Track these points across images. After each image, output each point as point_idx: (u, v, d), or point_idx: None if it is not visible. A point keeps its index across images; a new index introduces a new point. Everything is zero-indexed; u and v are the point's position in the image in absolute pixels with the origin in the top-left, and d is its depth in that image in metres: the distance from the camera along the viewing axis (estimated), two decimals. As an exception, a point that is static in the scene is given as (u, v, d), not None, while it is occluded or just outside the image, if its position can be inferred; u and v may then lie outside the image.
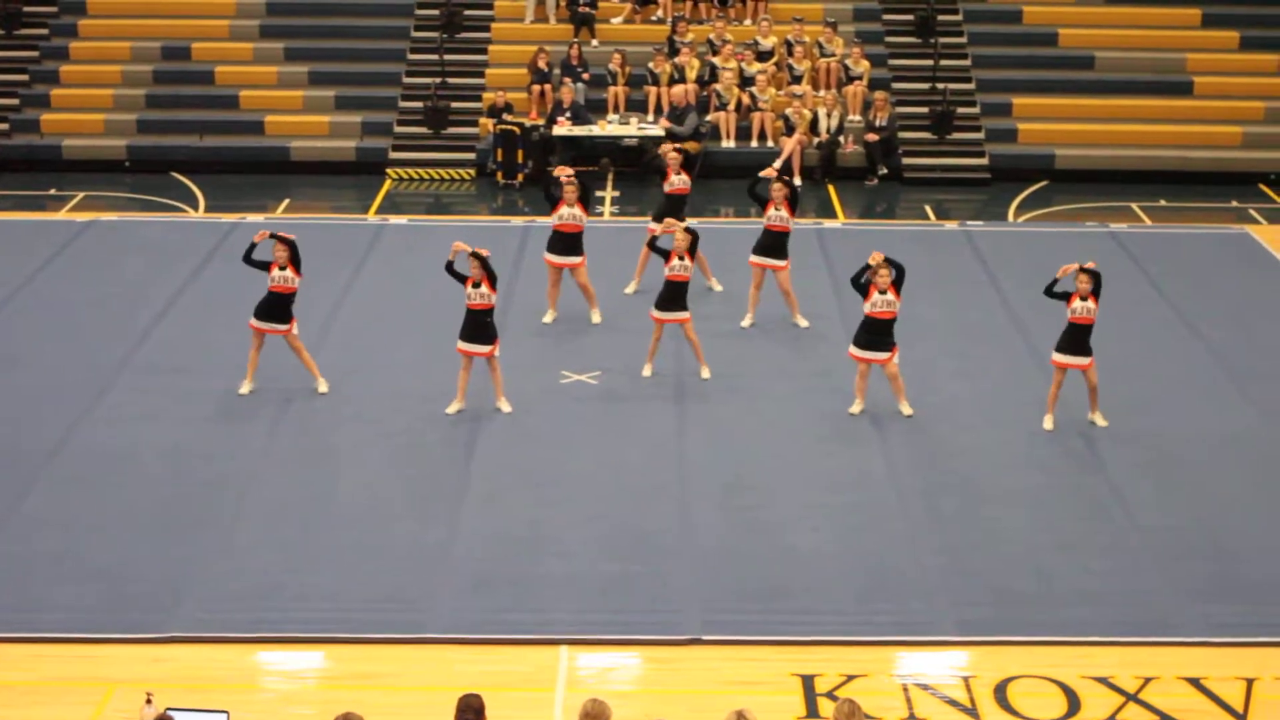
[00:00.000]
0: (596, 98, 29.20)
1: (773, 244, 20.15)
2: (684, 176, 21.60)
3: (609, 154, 28.54)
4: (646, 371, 18.87)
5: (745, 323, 20.50)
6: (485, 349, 17.55)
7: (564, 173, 20.57)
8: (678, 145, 22.51)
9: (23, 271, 22.40)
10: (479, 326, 17.47)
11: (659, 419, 17.87)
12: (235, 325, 18.86)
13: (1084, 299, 17.07)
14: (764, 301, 20.51)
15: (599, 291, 20.82)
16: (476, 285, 17.33)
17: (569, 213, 20.10)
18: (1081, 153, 28.74)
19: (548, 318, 20.64)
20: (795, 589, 14.35)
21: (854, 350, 17.67)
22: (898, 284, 17.34)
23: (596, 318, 20.61)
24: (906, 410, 17.77)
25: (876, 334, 17.43)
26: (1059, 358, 17.35)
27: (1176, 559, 14.92)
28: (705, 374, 18.79)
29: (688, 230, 18.70)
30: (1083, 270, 17.13)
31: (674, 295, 18.60)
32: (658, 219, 20.86)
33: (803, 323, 20.48)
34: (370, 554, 14.84)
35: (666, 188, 21.51)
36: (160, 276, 22.28)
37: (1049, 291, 17.39)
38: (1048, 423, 17.53)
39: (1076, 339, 17.22)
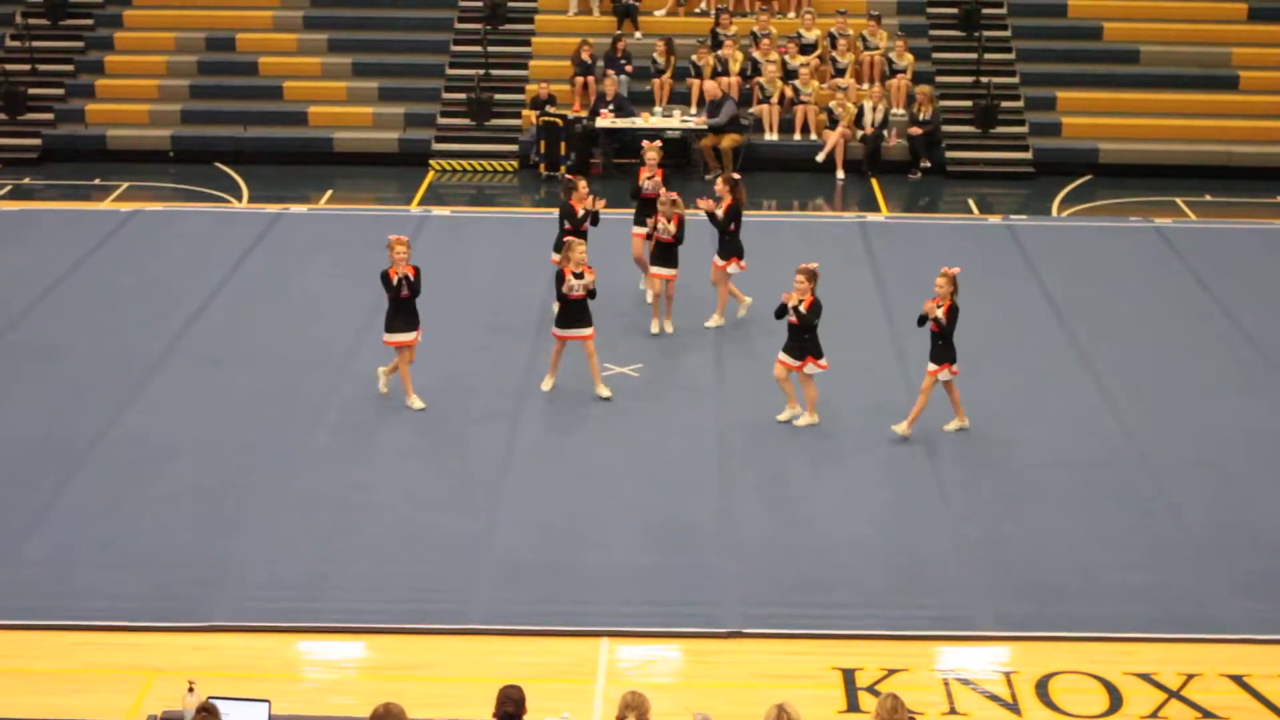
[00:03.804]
0: (639, 90, 29.16)
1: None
2: (657, 179, 20.34)
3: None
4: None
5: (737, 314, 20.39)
6: (586, 331, 17.85)
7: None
8: (661, 144, 21.17)
9: (66, 261, 22.50)
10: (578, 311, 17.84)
11: (700, 411, 17.84)
12: (277, 316, 18.89)
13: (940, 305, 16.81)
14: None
15: (632, 285, 20.75)
16: (578, 276, 17.63)
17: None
18: (1126, 147, 28.53)
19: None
20: (836, 582, 14.31)
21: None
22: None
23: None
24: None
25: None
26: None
27: (1220, 554, 14.81)
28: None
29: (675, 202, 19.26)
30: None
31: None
32: (637, 222, 20.50)
33: (719, 321, 20.14)
34: (410, 544, 14.87)
35: (640, 189, 20.52)
36: (203, 267, 22.34)
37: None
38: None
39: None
